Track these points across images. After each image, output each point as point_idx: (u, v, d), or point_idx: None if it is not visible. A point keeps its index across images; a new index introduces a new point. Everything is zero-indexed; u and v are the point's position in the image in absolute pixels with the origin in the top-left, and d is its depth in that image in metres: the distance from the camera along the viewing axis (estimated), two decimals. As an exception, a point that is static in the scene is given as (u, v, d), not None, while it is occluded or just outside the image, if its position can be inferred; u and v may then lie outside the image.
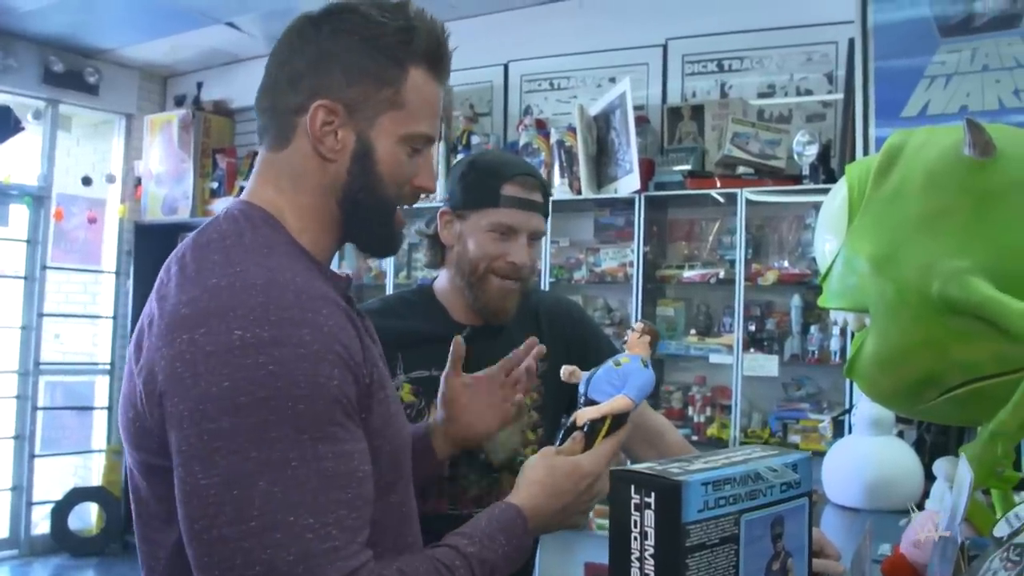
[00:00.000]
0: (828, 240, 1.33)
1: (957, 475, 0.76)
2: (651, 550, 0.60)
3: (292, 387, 0.73)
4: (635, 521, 0.61)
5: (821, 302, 1.32)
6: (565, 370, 1.05)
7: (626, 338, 1.03)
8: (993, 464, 1.10)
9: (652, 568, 0.59)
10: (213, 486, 0.72)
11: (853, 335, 2.78)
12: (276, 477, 0.72)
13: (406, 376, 1.39)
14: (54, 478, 4.71)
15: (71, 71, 4.60)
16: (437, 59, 0.90)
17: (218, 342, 0.74)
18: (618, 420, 0.96)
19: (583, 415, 0.97)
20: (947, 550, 0.67)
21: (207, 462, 0.72)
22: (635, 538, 0.61)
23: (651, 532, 0.60)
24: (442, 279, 1.47)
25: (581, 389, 0.99)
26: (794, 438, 3.07)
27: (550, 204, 1.47)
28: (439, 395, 1.22)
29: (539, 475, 0.94)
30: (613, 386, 0.96)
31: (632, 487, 0.62)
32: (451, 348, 1.21)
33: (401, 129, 0.88)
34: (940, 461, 1.30)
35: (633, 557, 0.60)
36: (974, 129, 1.15)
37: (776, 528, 0.65)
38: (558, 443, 0.99)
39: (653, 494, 0.60)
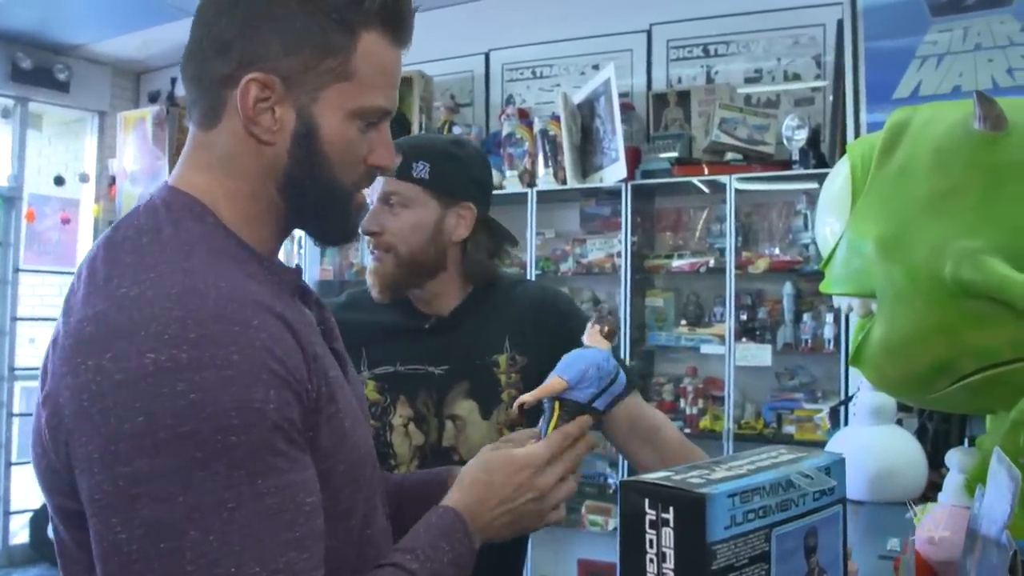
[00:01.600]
0: (830, 223, 1.27)
1: (992, 472, 0.70)
2: (671, 574, 0.52)
3: (220, 417, 0.62)
4: (651, 540, 0.52)
5: (823, 287, 1.26)
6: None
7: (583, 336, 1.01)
8: (1016, 455, 1.05)
9: (673, 594, 0.52)
10: (135, 539, 0.61)
11: (848, 321, 2.71)
12: (210, 524, 0.61)
13: (370, 372, 1.33)
14: (32, 486, 4.59)
15: (40, 68, 4.47)
16: (395, 20, 0.77)
17: (128, 368, 0.62)
18: (570, 410, 0.91)
19: (519, 400, 0.94)
20: (990, 555, 0.61)
21: (126, 512, 0.61)
22: (651, 560, 0.52)
23: (670, 553, 0.52)
24: None
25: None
26: (789, 428, 3.02)
27: (425, 169, 1.32)
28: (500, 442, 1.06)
29: (471, 474, 0.87)
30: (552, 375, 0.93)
31: (646, 501, 0.53)
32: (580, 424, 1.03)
33: (350, 103, 0.76)
34: (953, 452, 1.24)
35: (648, 581, 0.53)
36: (985, 102, 1.09)
37: (810, 541, 0.58)
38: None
39: (672, 509, 0.52)
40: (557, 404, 0.90)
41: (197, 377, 0.62)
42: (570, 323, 1.43)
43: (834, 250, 1.23)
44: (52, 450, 0.67)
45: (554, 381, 0.90)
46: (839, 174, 1.26)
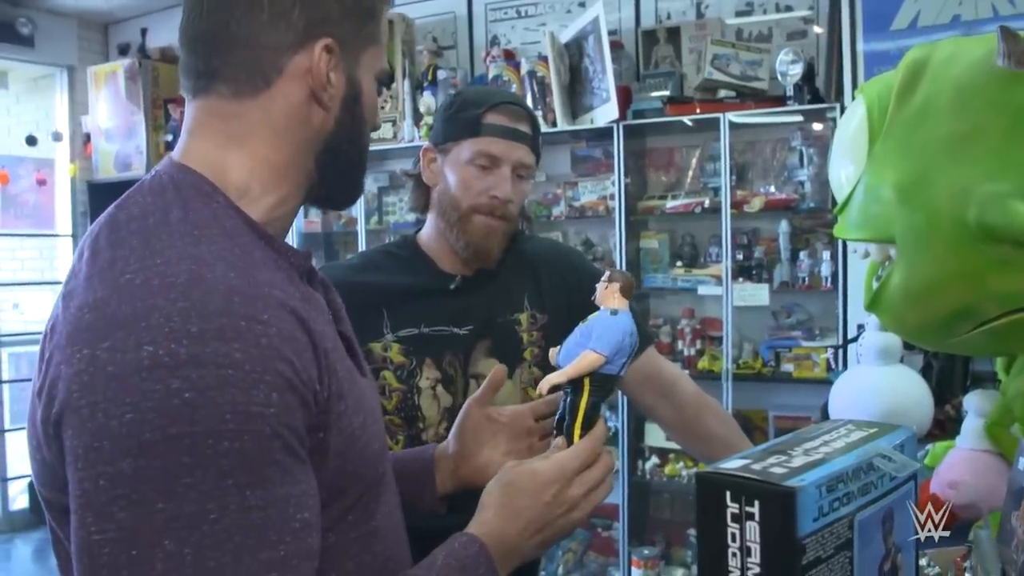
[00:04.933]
0: (845, 167, 1.24)
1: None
2: (756, 569, 0.49)
3: (214, 420, 0.58)
4: (733, 534, 0.50)
5: (838, 232, 1.23)
6: (551, 352, 0.92)
7: (595, 296, 0.90)
8: (1044, 401, 1.05)
9: (758, 589, 0.50)
10: (107, 543, 0.57)
11: (846, 258, 2.70)
12: (187, 535, 0.57)
13: (394, 335, 1.30)
14: (28, 451, 4.58)
15: (1, 23, 4.30)
16: None
17: (123, 361, 0.58)
18: (600, 383, 0.83)
19: (544, 383, 0.85)
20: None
21: (101, 513, 0.58)
22: (734, 554, 0.50)
23: (756, 548, 0.49)
24: (427, 227, 1.37)
25: (557, 361, 0.87)
26: (787, 367, 3.03)
27: (540, 142, 1.35)
28: (456, 424, 1.04)
29: (492, 498, 0.82)
30: (581, 346, 0.84)
31: (728, 494, 0.51)
32: (490, 375, 1.03)
33: (377, 65, 0.78)
34: (972, 395, 1.24)
35: (732, 576, 0.51)
36: (1009, 38, 1.05)
37: (887, 523, 0.57)
38: (553, 432, 0.87)
39: (758, 503, 0.49)
40: (587, 380, 0.83)
41: (194, 375, 0.58)
42: (584, 279, 1.41)
43: (850, 195, 1.20)
44: (46, 444, 0.63)
45: (590, 356, 0.82)
46: (854, 116, 1.23)
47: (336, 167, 0.77)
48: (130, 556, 0.57)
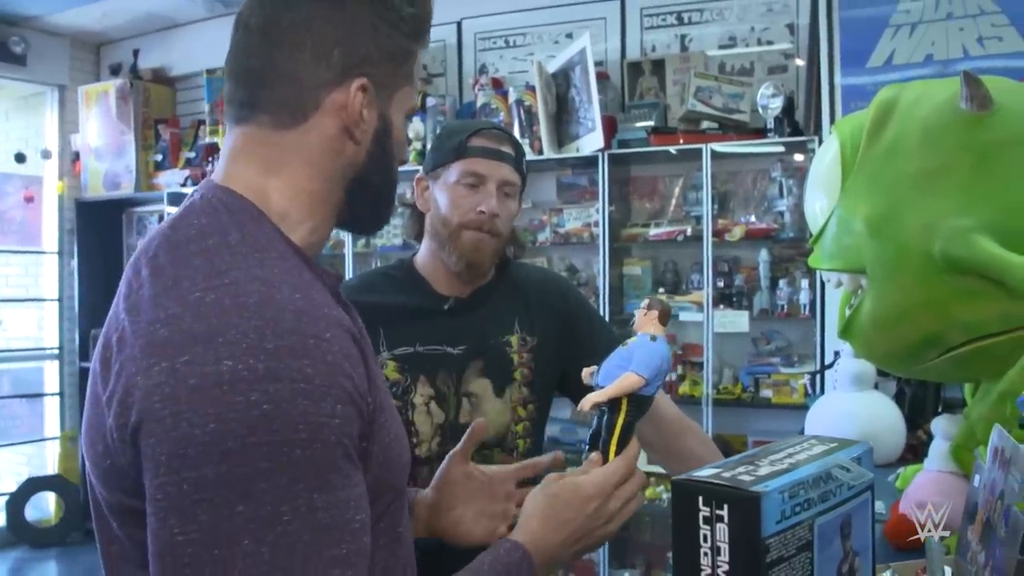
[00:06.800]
0: (820, 199, 1.30)
1: (996, 446, 0.73)
2: (726, 567, 0.55)
3: (289, 430, 0.63)
4: (705, 535, 0.56)
5: (813, 262, 1.29)
6: (585, 372, 0.97)
7: (633, 321, 0.95)
8: (1002, 424, 1.10)
9: (728, 586, 0.55)
10: (191, 543, 0.62)
11: (823, 287, 2.77)
12: (264, 535, 0.62)
13: (389, 353, 1.35)
14: (7, 469, 4.55)
15: (-6, 41, 4.34)
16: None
17: (204, 374, 0.63)
18: (637, 404, 0.88)
19: (587, 401, 0.90)
20: (997, 530, 0.65)
21: (185, 515, 0.63)
22: (705, 554, 0.55)
23: (725, 548, 0.55)
24: (422, 251, 1.43)
25: (596, 381, 0.92)
26: (766, 392, 3.09)
27: (525, 165, 1.43)
28: (437, 474, 1.07)
29: (537, 508, 0.88)
30: (621, 368, 0.88)
31: (700, 499, 0.56)
32: (470, 428, 1.07)
33: (407, 104, 0.83)
34: (938, 420, 1.29)
35: (704, 574, 0.56)
36: (971, 82, 1.11)
37: (845, 528, 0.62)
38: (585, 452, 0.92)
39: (727, 507, 0.55)
40: (625, 400, 0.88)
41: (272, 388, 0.63)
42: (570, 304, 1.47)
43: (824, 226, 1.26)
44: (118, 450, 0.67)
45: (632, 378, 0.86)
46: (828, 152, 1.28)
47: (364, 197, 0.82)
48: (212, 555, 0.62)
